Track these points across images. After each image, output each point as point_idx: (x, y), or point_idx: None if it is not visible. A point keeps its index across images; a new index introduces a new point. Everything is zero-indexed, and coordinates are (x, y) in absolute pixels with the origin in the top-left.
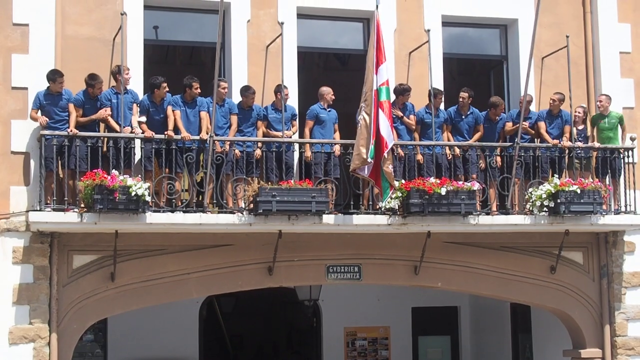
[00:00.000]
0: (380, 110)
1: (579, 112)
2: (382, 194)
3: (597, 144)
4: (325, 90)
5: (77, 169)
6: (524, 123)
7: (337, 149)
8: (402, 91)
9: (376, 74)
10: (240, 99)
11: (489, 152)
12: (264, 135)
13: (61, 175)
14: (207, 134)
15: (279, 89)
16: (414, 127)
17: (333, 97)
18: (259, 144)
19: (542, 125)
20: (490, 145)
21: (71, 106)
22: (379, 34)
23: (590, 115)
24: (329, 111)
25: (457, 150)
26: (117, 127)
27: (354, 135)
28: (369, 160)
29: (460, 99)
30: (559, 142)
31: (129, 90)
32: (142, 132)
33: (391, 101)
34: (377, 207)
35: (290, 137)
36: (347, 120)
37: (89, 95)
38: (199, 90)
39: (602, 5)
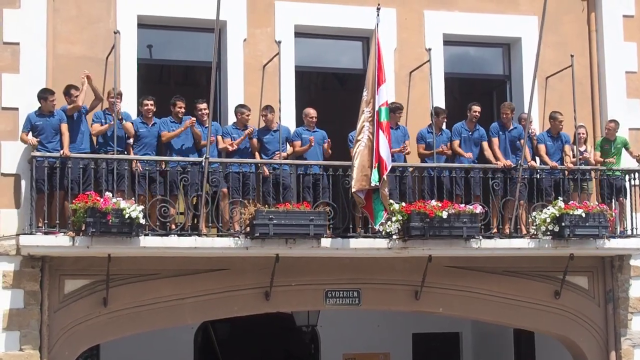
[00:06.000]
0: (380, 132)
1: (582, 133)
2: (373, 217)
3: (601, 166)
4: (307, 111)
5: (69, 191)
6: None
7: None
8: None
9: (377, 94)
10: (235, 118)
11: (491, 174)
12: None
13: (53, 198)
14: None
15: (265, 110)
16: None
17: (314, 119)
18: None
19: (541, 147)
20: (493, 167)
21: (64, 127)
22: (379, 53)
23: (594, 136)
24: (313, 131)
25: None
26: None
27: (350, 156)
28: (373, 184)
29: (475, 112)
30: (566, 164)
31: (122, 113)
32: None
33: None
34: (375, 230)
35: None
36: (345, 141)
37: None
38: (183, 110)
39: (608, 24)
